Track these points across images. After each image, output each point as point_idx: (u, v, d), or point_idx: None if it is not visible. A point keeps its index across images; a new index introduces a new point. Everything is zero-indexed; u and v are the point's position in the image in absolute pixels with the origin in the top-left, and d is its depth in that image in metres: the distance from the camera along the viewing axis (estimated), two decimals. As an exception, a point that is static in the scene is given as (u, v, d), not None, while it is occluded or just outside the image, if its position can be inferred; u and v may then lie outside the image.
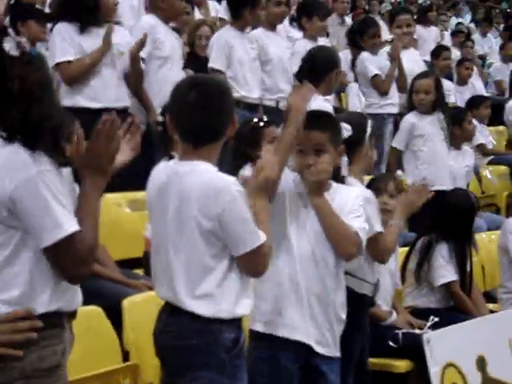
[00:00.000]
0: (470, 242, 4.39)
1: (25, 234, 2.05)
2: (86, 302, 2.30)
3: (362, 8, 12.18)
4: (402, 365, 3.75)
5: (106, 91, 4.51)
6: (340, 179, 3.13)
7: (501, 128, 8.06)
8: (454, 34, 11.05)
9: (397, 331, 3.78)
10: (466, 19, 13.96)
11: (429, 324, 3.73)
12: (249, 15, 5.37)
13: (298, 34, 6.59)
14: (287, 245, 2.92)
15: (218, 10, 7.79)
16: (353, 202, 2.99)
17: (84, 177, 2.15)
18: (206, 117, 2.50)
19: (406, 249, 4.41)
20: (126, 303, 3.21)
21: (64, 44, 4.45)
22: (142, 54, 4.76)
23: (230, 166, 4.17)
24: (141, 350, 3.09)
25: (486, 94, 8.62)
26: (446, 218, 4.11)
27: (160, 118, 4.18)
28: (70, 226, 2.04)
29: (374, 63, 6.30)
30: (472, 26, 13.04)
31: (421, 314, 3.96)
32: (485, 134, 7.67)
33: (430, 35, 9.97)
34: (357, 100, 6.55)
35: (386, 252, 3.36)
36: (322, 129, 2.96)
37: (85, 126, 2.78)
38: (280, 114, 5.12)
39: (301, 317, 2.90)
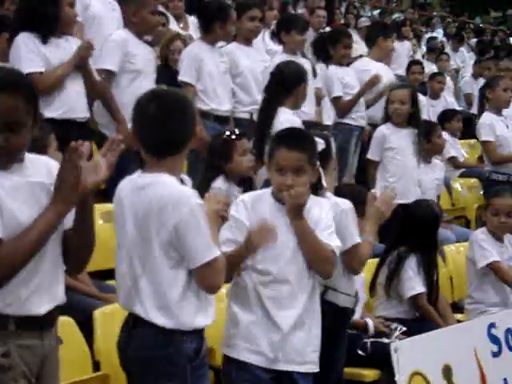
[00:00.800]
0: (435, 252, 4.47)
1: None
2: (57, 315, 2.35)
3: (339, 23, 12.33)
4: (370, 374, 3.82)
5: (68, 102, 4.54)
6: (319, 192, 3.20)
7: (472, 141, 8.19)
8: (429, 48, 11.21)
9: (365, 340, 3.86)
10: (439, 34, 14.16)
11: (396, 333, 3.81)
12: (219, 30, 5.43)
13: (278, 48, 6.67)
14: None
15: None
16: (327, 216, 3.06)
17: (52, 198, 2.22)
18: (165, 129, 2.55)
19: (376, 260, 4.49)
20: (97, 314, 3.26)
21: (31, 55, 4.44)
22: (113, 67, 4.82)
23: (201, 178, 4.24)
24: (111, 360, 3.10)
25: (458, 108, 8.75)
26: (412, 230, 4.18)
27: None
28: None
29: (340, 79, 6.38)
30: (444, 40, 13.22)
31: (389, 324, 4.03)
32: (456, 147, 7.79)
33: (403, 49, 10.13)
34: (331, 113, 6.65)
35: (361, 263, 3.42)
36: (302, 149, 3.01)
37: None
38: (253, 126, 5.21)
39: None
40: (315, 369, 3.03)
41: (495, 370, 3.66)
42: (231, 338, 3.00)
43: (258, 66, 5.72)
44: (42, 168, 2.32)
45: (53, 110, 4.48)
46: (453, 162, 7.62)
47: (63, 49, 4.54)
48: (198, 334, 2.62)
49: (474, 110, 8.94)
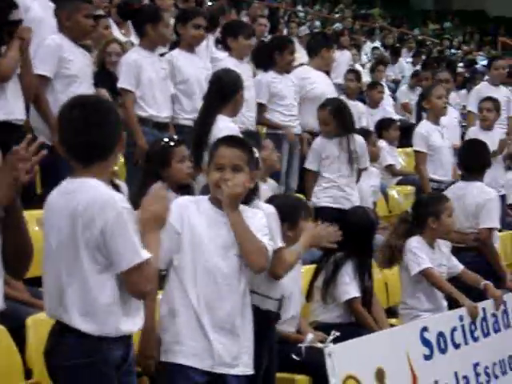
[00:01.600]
0: (371, 258, 4.56)
1: None
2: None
3: (281, 31, 12.44)
4: (302, 379, 3.86)
5: (7, 105, 4.46)
6: (250, 200, 3.24)
7: (409, 150, 8.34)
8: (366, 58, 11.40)
9: (300, 345, 3.89)
10: (379, 44, 14.40)
11: (330, 338, 3.85)
12: (152, 31, 5.44)
13: (223, 54, 6.69)
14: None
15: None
16: (259, 221, 3.11)
17: None
18: (88, 135, 2.54)
19: (313, 266, 4.54)
20: (30, 321, 3.21)
21: None
22: (47, 73, 4.76)
23: (139, 184, 4.23)
24: (43, 368, 3.07)
25: (396, 117, 8.91)
26: (349, 237, 4.25)
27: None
28: None
29: (271, 86, 6.43)
30: (384, 50, 13.45)
31: (325, 328, 4.06)
32: (394, 155, 7.94)
33: (343, 59, 10.29)
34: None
35: (283, 268, 3.43)
36: (241, 149, 3.10)
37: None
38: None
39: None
40: (249, 371, 3.06)
41: (427, 372, 3.74)
42: (165, 343, 3.01)
43: (201, 74, 5.74)
44: None
45: None
46: (390, 169, 7.77)
47: None
48: (125, 340, 2.61)
49: (414, 120, 9.13)
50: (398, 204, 6.96)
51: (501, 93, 7.95)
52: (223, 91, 4.80)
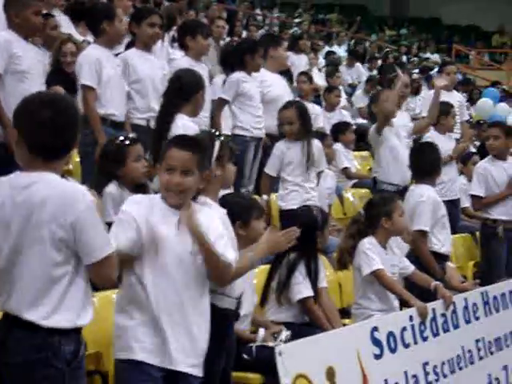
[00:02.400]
0: (317, 257, 4.57)
1: None
2: None
3: (239, 34, 12.47)
4: (255, 378, 3.88)
5: None
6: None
7: (364, 153, 8.44)
8: (327, 62, 11.49)
9: (251, 344, 3.91)
10: (336, 49, 14.52)
11: (282, 337, 3.88)
12: (108, 28, 5.42)
13: (179, 53, 6.67)
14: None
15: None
16: (217, 225, 3.14)
17: None
18: (59, 134, 2.57)
19: (268, 267, 4.57)
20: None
21: None
22: None
23: (94, 182, 4.21)
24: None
25: (351, 121, 9.00)
26: (299, 237, 4.26)
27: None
28: None
29: (238, 86, 6.44)
30: (341, 55, 13.56)
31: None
32: (349, 159, 8.03)
33: (300, 63, 10.36)
34: (229, 121, 6.70)
35: (229, 276, 3.33)
36: (192, 151, 3.09)
37: None
38: (150, 133, 5.21)
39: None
40: (199, 373, 3.08)
41: (377, 371, 3.78)
42: (122, 340, 3.02)
43: (156, 73, 5.72)
44: None
45: None
46: (345, 172, 7.85)
47: None
48: (77, 335, 2.62)
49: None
50: (353, 206, 7.03)
51: (454, 98, 8.08)
52: (183, 91, 4.78)
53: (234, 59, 6.53)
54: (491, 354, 4.74)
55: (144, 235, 3.00)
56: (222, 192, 3.73)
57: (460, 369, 4.41)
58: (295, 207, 5.46)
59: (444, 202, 5.57)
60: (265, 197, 5.63)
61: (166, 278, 3.01)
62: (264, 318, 4.34)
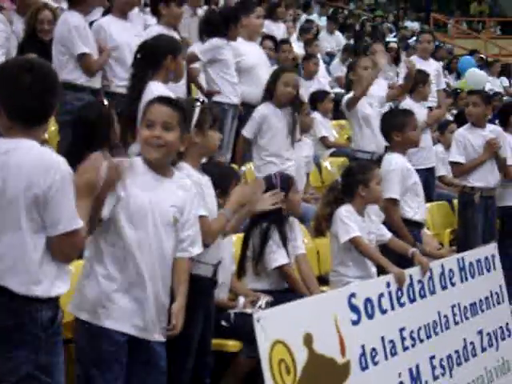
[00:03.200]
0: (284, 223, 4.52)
1: None
2: None
3: (216, 2, 12.32)
4: (234, 344, 3.91)
5: None
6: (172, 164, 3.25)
7: (342, 122, 8.44)
8: (302, 30, 11.42)
9: (229, 311, 3.94)
10: (315, 17, 14.43)
11: (259, 303, 3.91)
12: None
13: (152, 20, 6.60)
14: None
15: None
16: (190, 194, 3.18)
17: None
18: (39, 99, 2.55)
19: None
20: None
21: None
22: None
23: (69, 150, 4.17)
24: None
25: (329, 90, 8.99)
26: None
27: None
28: None
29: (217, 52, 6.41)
30: (320, 23, 13.48)
31: (257, 296, 4.12)
32: (327, 127, 8.02)
33: (279, 31, 10.27)
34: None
35: (210, 235, 3.45)
36: (173, 108, 3.10)
37: None
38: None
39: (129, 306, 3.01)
40: (163, 339, 3.11)
41: (354, 337, 3.82)
42: (87, 303, 3.02)
43: (134, 40, 5.65)
44: None
45: None
46: (323, 141, 7.85)
47: None
48: (54, 302, 2.62)
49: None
50: (331, 175, 7.04)
51: (431, 66, 8.09)
52: (152, 57, 4.71)
53: (217, 26, 6.49)
54: (466, 319, 4.80)
55: (124, 202, 3.00)
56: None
57: (436, 334, 4.47)
58: None
59: (420, 170, 5.61)
60: (243, 168, 5.62)
61: (141, 245, 3.02)
62: (243, 286, 4.35)
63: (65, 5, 6.69)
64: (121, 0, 5.68)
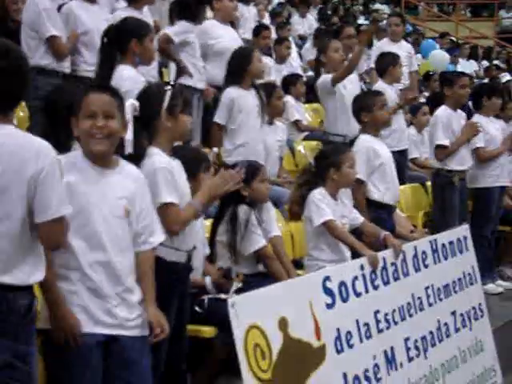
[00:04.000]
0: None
1: None
2: None
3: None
4: (209, 330, 3.89)
5: None
6: (140, 151, 3.20)
7: (315, 105, 8.42)
8: (273, 14, 11.36)
9: (203, 297, 3.91)
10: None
11: (234, 288, 3.89)
12: None
13: (120, 4, 6.52)
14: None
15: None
16: (142, 183, 3.10)
17: None
18: (17, 83, 2.53)
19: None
20: None
21: None
22: None
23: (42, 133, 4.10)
24: None
25: (302, 73, 8.95)
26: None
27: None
28: None
29: (193, 37, 6.36)
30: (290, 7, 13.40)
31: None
32: (300, 111, 8.00)
33: (250, 14, 10.22)
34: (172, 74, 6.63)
35: (175, 224, 3.37)
36: (112, 95, 3.00)
37: None
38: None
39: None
40: (145, 332, 3.03)
41: (329, 320, 3.82)
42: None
43: (103, 25, 5.56)
44: None
45: None
46: (296, 124, 7.83)
47: None
48: (31, 290, 2.59)
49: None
50: (304, 159, 7.03)
51: (402, 48, 8.09)
52: (118, 40, 4.63)
53: (187, 9, 6.42)
54: (440, 300, 4.83)
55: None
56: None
57: (410, 316, 4.48)
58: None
59: (393, 152, 5.59)
60: (215, 149, 5.58)
61: (97, 244, 2.91)
62: (211, 269, 4.28)
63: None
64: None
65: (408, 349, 4.42)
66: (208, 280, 3.97)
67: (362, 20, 14.08)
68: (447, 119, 6.28)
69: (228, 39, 6.70)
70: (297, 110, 7.88)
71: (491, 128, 6.67)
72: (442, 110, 6.39)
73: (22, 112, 5.40)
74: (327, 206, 4.47)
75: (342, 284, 3.99)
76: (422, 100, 8.78)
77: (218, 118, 5.66)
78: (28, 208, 2.50)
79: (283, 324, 3.51)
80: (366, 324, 4.09)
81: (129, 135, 3.22)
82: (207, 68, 6.53)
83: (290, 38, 9.86)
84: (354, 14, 13.99)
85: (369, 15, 15.41)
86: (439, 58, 10.87)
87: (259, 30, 8.50)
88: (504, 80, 12.08)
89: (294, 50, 9.71)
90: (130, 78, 4.44)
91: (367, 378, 4.02)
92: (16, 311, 2.51)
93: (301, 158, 7.14)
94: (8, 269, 2.48)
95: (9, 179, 2.46)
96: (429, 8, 20.38)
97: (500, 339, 5.35)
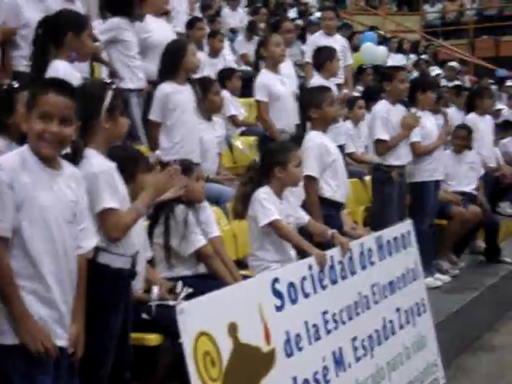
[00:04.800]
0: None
1: None
2: None
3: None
4: (154, 338, 3.73)
5: None
6: (78, 152, 3.03)
7: (251, 100, 8.29)
8: (203, 7, 11.19)
9: (150, 304, 3.75)
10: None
11: (182, 295, 3.73)
12: None
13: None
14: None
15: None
16: (82, 199, 2.93)
17: None
18: None
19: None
20: None
21: None
22: None
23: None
24: None
25: (236, 67, 8.83)
26: None
27: None
28: None
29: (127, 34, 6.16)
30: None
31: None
32: (236, 106, 7.87)
33: (182, 7, 10.01)
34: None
35: (117, 230, 3.21)
36: (70, 97, 2.80)
37: None
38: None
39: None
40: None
41: (278, 323, 3.70)
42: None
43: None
44: None
45: None
46: (233, 120, 7.70)
47: None
48: None
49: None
50: (242, 155, 6.91)
51: (337, 42, 8.05)
52: (51, 33, 4.39)
53: (121, 3, 6.21)
54: (385, 297, 4.78)
55: (27, 206, 2.69)
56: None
57: (357, 314, 4.42)
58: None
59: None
60: (157, 152, 5.39)
61: (51, 247, 2.74)
62: (155, 275, 4.13)
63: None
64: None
65: (355, 348, 4.35)
66: (156, 291, 3.78)
67: (292, 13, 14.04)
68: (386, 113, 6.25)
69: (161, 32, 6.51)
70: (232, 104, 7.76)
71: (427, 122, 6.68)
72: (381, 105, 6.36)
73: None
74: (273, 205, 4.35)
75: (291, 285, 3.88)
76: (357, 94, 8.78)
77: (153, 115, 5.48)
78: None
79: (233, 329, 3.38)
80: (315, 325, 4.00)
81: None
82: (145, 64, 6.32)
83: (222, 31, 9.72)
84: (284, 7, 13.92)
85: (298, 7, 15.42)
86: (372, 51, 10.88)
87: (193, 22, 8.33)
88: (434, 74, 12.24)
89: (226, 43, 9.57)
90: (65, 74, 4.20)
91: (317, 381, 3.93)
92: None
93: (239, 154, 7.02)
94: None
95: None
96: (356, 2, 20.53)
97: (441, 333, 5.36)
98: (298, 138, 5.32)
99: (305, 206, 4.88)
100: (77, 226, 2.87)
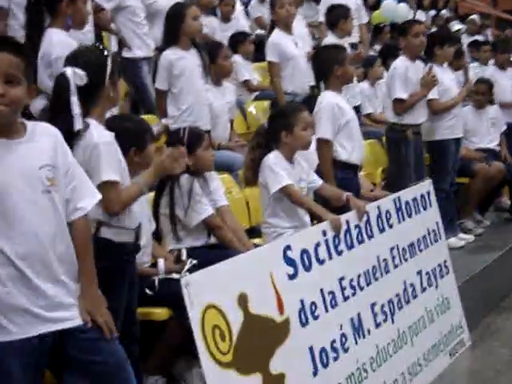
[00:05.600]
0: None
1: None
2: None
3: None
4: (161, 312, 3.62)
5: None
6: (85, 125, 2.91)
7: (265, 64, 8.10)
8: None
9: (153, 278, 3.63)
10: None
11: (187, 267, 3.61)
12: None
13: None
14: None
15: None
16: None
17: None
18: None
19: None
20: None
21: None
22: None
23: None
24: None
25: (249, 31, 8.63)
26: None
27: None
28: None
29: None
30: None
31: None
32: (249, 71, 7.70)
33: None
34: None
35: (116, 204, 3.06)
36: (17, 54, 2.43)
37: None
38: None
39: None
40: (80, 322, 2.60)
41: (292, 292, 3.57)
42: None
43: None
44: None
45: None
46: (246, 85, 7.53)
47: None
48: None
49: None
50: (256, 120, 6.75)
51: (350, 0, 7.81)
52: (45, 0, 4.26)
53: None
54: (405, 260, 4.62)
55: None
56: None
57: (376, 279, 4.27)
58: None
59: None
60: (163, 120, 5.26)
61: (20, 228, 2.43)
62: (160, 249, 4.00)
63: None
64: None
65: (375, 314, 4.21)
66: (161, 263, 3.66)
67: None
68: (405, 71, 6.03)
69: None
70: (246, 69, 7.58)
71: (445, 78, 6.44)
72: (400, 61, 6.13)
73: None
74: (283, 170, 4.19)
75: (304, 252, 3.74)
76: (374, 54, 8.54)
77: (158, 83, 5.34)
78: None
79: (243, 300, 3.25)
80: (331, 292, 3.86)
81: (76, 110, 2.92)
82: (153, 31, 6.17)
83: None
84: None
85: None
86: (392, 8, 10.49)
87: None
88: (455, 29, 11.90)
89: (239, 8, 9.35)
90: (60, 43, 4.07)
91: (334, 350, 3.81)
92: None
93: (252, 119, 6.85)
94: None
95: None
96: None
97: (466, 294, 5.21)
98: (311, 100, 5.13)
99: (319, 170, 4.71)
100: (64, 189, 2.55)
